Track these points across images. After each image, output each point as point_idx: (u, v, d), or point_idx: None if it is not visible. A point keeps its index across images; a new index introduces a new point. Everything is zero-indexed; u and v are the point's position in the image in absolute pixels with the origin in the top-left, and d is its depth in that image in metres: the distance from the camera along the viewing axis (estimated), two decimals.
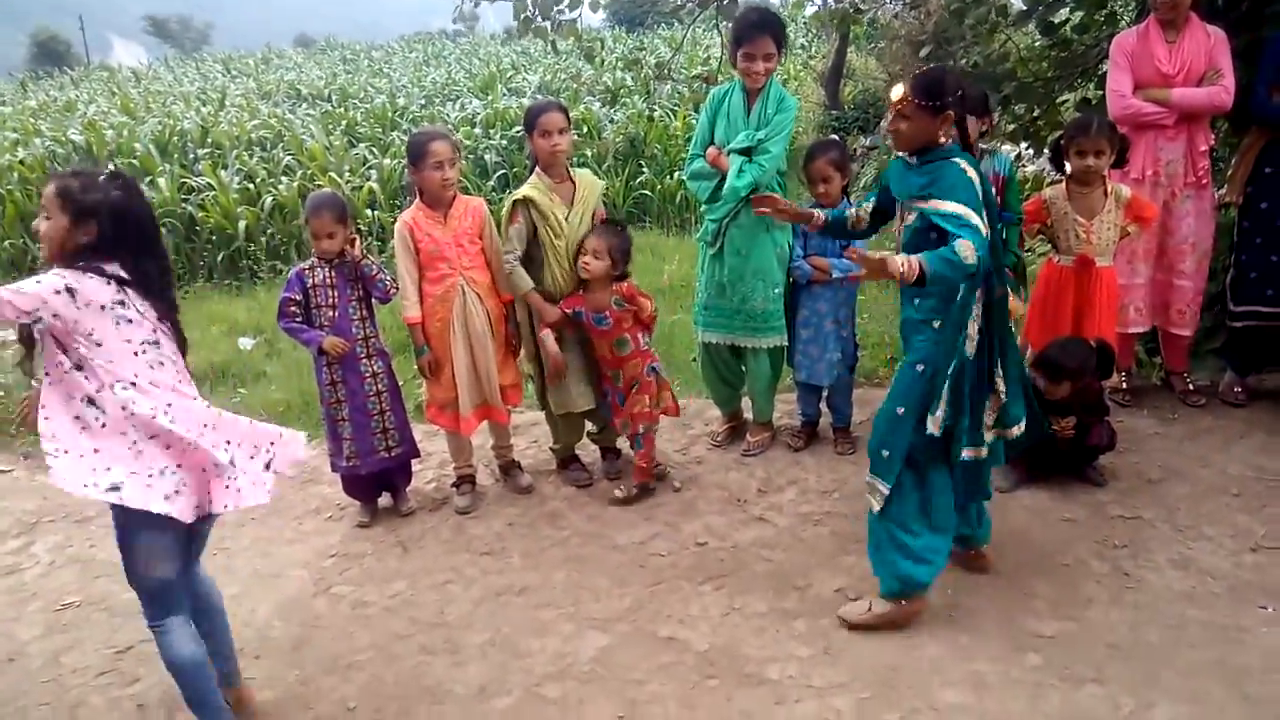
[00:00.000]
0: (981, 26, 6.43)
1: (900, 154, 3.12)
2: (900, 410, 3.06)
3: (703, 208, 4.40)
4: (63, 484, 2.45)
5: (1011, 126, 6.09)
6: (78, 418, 2.51)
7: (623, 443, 4.48)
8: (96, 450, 2.50)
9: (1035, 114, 5.99)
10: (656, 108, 13.67)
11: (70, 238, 2.54)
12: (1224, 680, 2.83)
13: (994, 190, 3.83)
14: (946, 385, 3.01)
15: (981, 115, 3.87)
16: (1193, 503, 3.77)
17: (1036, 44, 6.76)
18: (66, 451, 2.47)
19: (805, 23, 17.76)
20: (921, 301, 3.03)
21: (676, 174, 11.29)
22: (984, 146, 3.97)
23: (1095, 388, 3.93)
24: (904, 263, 2.77)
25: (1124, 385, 4.64)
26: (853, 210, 3.48)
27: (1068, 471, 3.99)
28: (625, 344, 4.10)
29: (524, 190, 4.05)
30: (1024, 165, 6.72)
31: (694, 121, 4.33)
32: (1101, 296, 4.07)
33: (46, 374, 2.55)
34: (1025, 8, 6.01)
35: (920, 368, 3.03)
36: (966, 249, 2.75)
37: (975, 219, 2.82)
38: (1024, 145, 6.15)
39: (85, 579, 3.96)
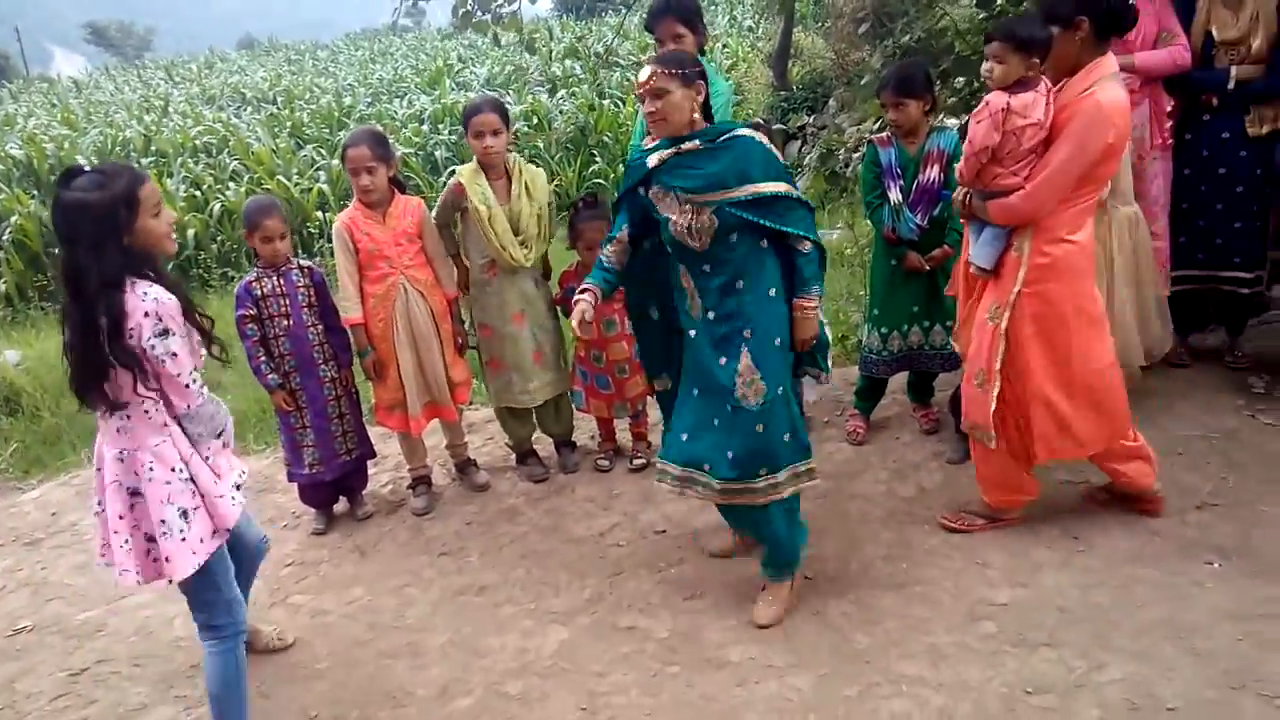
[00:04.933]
0: (920, 1, 6.47)
1: (656, 144, 3.04)
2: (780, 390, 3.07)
3: None
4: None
5: (951, 100, 6.13)
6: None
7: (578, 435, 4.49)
8: None
9: (975, 87, 6.04)
10: (605, 96, 13.63)
11: None
12: (1173, 637, 2.87)
13: (938, 169, 3.87)
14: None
15: (923, 95, 3.89)
16: None
17: (975, 18, 6.81)
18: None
19: (753, 4, 17.78)
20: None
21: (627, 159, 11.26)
22: (932, 124, 3.99)
23: None
24: (804, 315, 3.04)
25: None
26: (607, 251, 3.21)
27: None
28: (614, 325, 4.15)
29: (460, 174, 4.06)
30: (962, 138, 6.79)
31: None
32: None
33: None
34: None
35: (778, 340, 3.05)
36: (805, 245, 2.98)
37: (798, 193, 2.96)
38: (964, 117, 6.19)
39: (37, 602, 3.90)
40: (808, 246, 2.99)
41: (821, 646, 3.04)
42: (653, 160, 2.99)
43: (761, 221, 2.91)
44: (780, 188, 2.92)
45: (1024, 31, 3.06)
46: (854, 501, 3.80)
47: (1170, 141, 4.28)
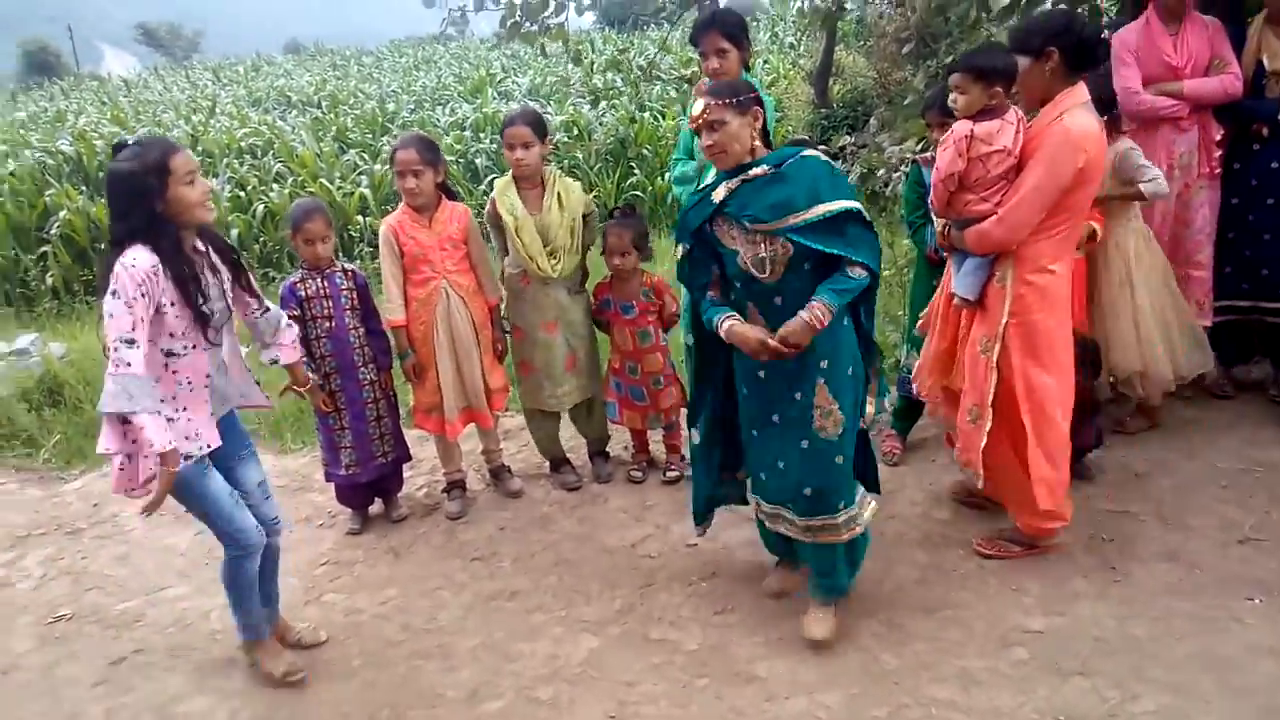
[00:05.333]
0: (965, 22, 6.45)
1: (717, 177, 2.99)
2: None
3: None
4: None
5: None
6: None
7: (613, 446, 4.52)
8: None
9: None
10: (646, 109, 13.68)
11: None
12: (1210, 672, 2.84)
13: None
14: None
15: None
16: (1180, 495, 3.78)
17: None
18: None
19: (794, 21, 17.78)
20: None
21: (667, 174, 11.29)
22: None
23: (1084, 385, 3.93)
24: (810, 318, 2.78)
25: (1112, 379, 4.64)
26: (711, 295, 3.06)
27: None
28: (648, 336, 4.17)
29: (495, 186, 4.15)
30: None
31: (683, 123, 4.34)
32: (1077, 291, 4.12)
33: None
34: (1007, 2, 6.02)
35: (851, 370, 3.02)
36: (858, 270, 2.83)
37: (864, 213, 2.84)
38: None
39: (77, 591, 3.96)
40: (859, 273, 2.84)
41: (851, 666, 3.03)
42: (719, 194, 2.90)
43: (832, 250, 2.80)
44: (851, 204, 2.82)
45: (982, 62, 3.11)
46: (888, 522, 3.78)
47: (1219, 171, 4.24)
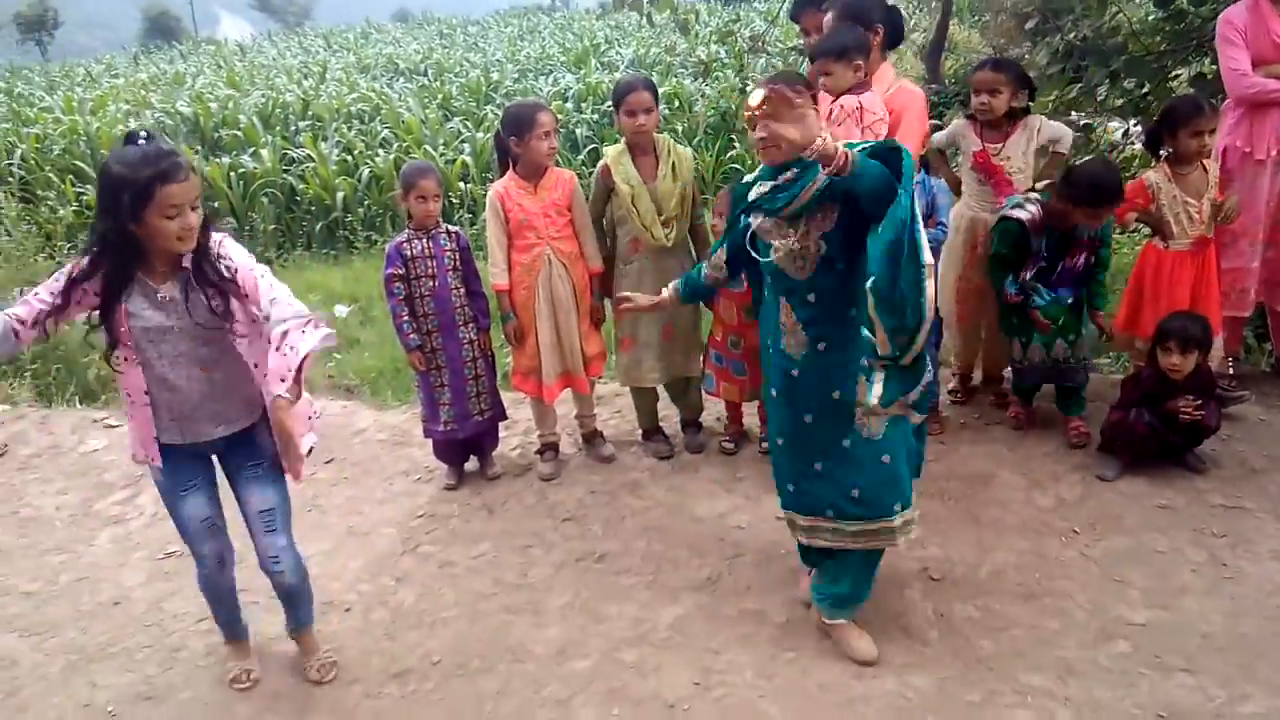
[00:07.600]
0: None
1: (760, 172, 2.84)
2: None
3: None
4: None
5: (1120, 101, 5.87)
6: None
7: (706, 417, 4.51)
8: None
9: (1145, 89, 5.76)
10: (749, 82, 13.52)
11: None
12: None
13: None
14: None
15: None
16: None
17: (1149, 17, 6.49)
18: None
19: None
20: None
21: None
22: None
23: (1206, 366, 3.80)
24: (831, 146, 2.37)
25: (1231, 370, 4.45)
26: (707, 268, 3.17)
27: (1167, 458, 3.84)
28: (754, 311, 4.12)
29: (606, 155, 4.12)
30: (1133, 141, 6.48)
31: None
32: (1213, 275, 4.03)
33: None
34: None
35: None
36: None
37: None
38: (1133, 121, 5.92)
39: None
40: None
41: (944, 649, 2.98)
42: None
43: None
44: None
45: (839, 43, 3.47)
46: (988, 508, 3.70)
47: None
